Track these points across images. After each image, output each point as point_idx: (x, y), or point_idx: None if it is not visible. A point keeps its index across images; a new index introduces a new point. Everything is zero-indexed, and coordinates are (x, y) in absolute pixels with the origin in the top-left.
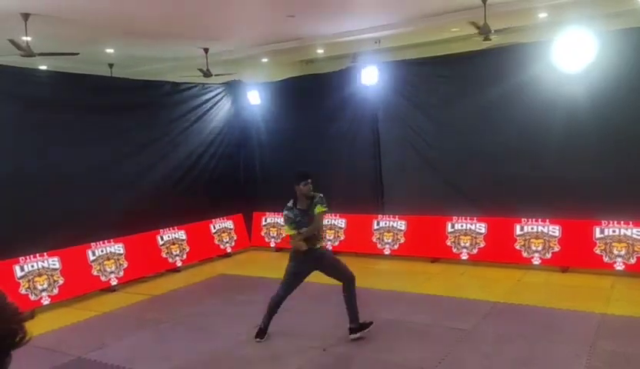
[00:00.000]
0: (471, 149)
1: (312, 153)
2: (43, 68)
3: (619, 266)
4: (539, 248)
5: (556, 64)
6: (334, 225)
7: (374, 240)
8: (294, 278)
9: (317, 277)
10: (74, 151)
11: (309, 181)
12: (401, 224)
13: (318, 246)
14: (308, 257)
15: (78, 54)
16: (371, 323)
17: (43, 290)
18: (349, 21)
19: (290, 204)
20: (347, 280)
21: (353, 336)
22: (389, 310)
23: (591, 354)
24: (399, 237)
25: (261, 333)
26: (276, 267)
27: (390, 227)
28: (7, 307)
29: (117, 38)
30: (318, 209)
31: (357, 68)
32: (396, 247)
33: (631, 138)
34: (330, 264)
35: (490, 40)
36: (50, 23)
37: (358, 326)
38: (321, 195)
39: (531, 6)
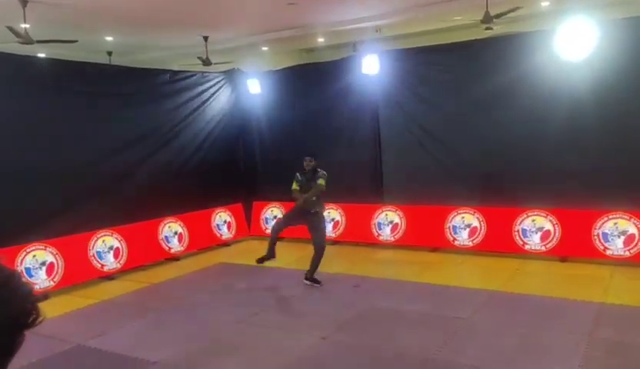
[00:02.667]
0: (471, 138)
1: (312, 142)
2: (42, 55)
3: (618, 256)
4: (538, 238)
5: (558, 53)
6: (332, 213)
7: (373, 229)
8: (288, 219)
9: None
10: (72, 139)
11: (307, 158)
12: (400, 214)
13: (313, 210)
14: (303, 212)
15: (76, 41)
16: (319, 282)
17: (44, 278)
18: (350, 9)
19: (299, 172)
20: (317, 247)
21: (305, 282)
22: (388, 299)
23: (590, 342)
24: (399, 226)
25: (262, 260)
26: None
27: (390, 217)
28: (22, 287)
29: (116, 25)
30: (320, 182)
31: (358, 56)
32: (396, 236)
33: (633, 127)
34: (313, 226)
35: (492, 29)
36: (49, 10)
37: (310, 277)
38: (325, 173)
39: None
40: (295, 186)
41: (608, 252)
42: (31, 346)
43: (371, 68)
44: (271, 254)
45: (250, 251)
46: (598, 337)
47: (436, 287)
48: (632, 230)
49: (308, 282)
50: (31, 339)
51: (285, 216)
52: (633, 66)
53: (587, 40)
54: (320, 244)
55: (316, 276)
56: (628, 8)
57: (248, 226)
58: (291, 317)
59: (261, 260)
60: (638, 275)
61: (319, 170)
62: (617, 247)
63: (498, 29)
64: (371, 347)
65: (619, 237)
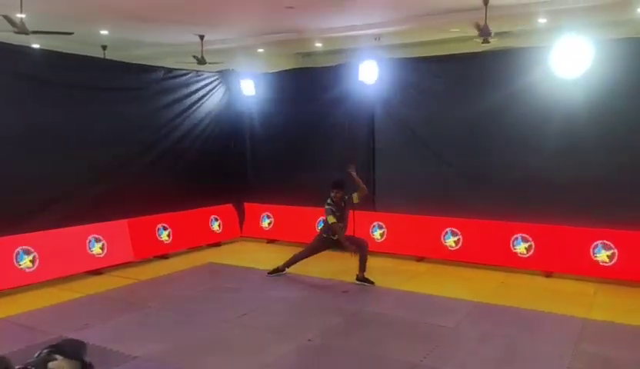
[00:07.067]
0: (465, 150)
1: (305, 147)
2: (36, 46)
3: (603, 273)
4: (524, 252)
5: (553, 70)
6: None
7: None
8: (313, 250)
9: (306, 270)
10: (62, 133)
11: (334, 191)
12: (390, 223)
13: (336, 237)
14: (327, 241)
15: (72, 33)
16: (372, 282)
17: (28, 270)
18: (349, 16)
19: (329, 201)
20: (360, 249)
21: (357, 282)
22: (376, 305)
23: (574, 355)
24: (388, 235)
25: (276, 271)
26: (266, 258)
27: (380, 225)
28: None
29: (112, 19)
30: (331, 219)
31: (355, 63)
32: (385, 245)
33: (625, 146)
34: (340, 248)
35: (489, 42)
36: (45, 1)
37: (362, 277)
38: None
39: (532, 11)
40: (332, 219)
41: (593, 269)
42: (11, 336)
43: (369, 75)
44: (283, 269)
45: (241, 252)
46: (582, 350)
47: (423, 296)
48: (617, 247)
49: (359, 283)
50: (12, 330)
51: (309, 248)
52: (626, 86)
53: (582, 58)
54: (360, 246)
55: (310, 280)
56: (622, 29)
57: (239, 227)
58: (279, 319)
59: (272, 272)
60: (621, 293)
61: (347, 197)
62: (602, 264)
63: (494, 43)
64: (354, 350)
65: (604, 254)
